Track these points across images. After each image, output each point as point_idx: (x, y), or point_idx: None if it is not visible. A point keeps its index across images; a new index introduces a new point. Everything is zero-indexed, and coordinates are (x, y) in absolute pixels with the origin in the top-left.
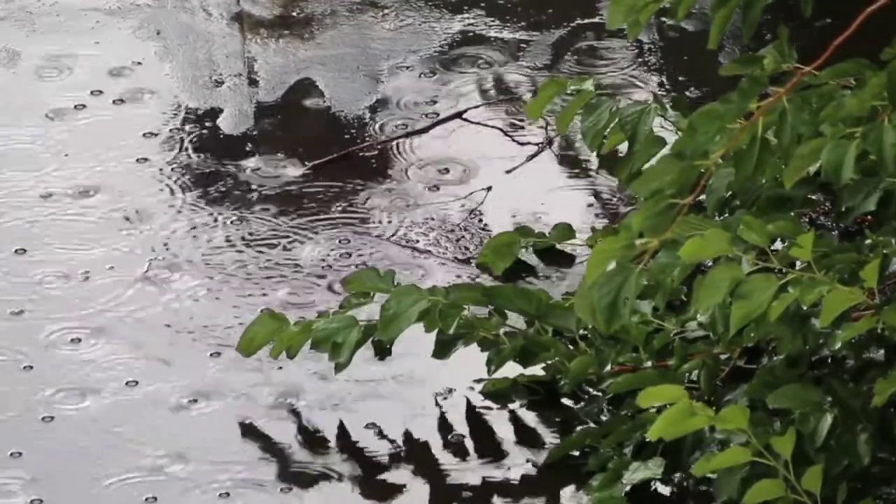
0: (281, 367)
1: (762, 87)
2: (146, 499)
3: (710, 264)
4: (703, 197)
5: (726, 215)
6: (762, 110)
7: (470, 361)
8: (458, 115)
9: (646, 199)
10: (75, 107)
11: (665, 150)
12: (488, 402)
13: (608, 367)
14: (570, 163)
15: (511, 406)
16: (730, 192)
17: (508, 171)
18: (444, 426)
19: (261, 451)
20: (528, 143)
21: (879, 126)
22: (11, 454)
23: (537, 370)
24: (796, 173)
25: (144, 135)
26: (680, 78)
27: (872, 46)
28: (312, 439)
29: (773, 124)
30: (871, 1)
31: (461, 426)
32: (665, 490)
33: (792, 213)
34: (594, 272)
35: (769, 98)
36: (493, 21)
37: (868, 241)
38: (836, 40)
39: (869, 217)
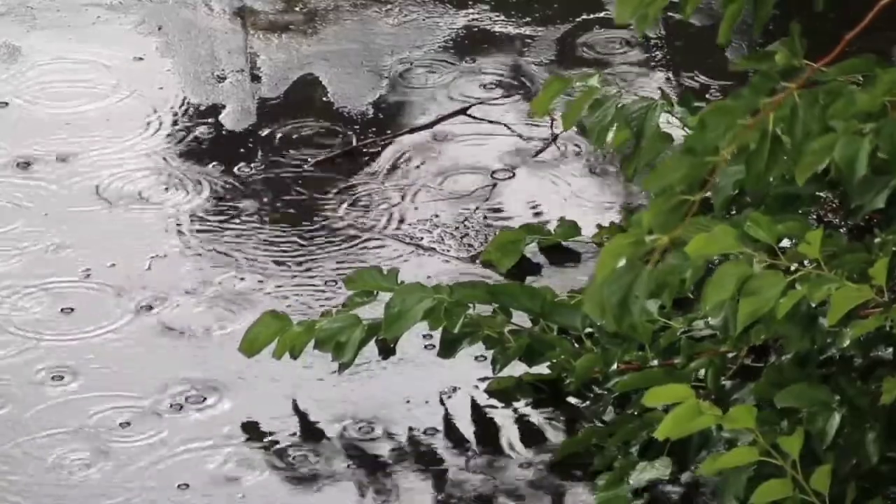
0: (283, 366)
1: (773, 82)
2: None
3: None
4: (709, 194)
5: (734, 214)
6: (772, 105)
7: (475, 360)
8: (463, 111)
9: (656, 195)
10: (76, 104)
11: (672, 147)
12: (493, 401)
13: (614, 366)
14: (576, 159)
15: (516, 405)
16: (737, 191)
17: (513, 168)
18: (449, 425)
19: (262, 451)
20: (533, 140)
21: (893, 121)
22: None
23: (543, 369)
24: (809, 169)
25: (146, 132)
26: (687, 74)
27: (880, 41)
28: (315, 438)
29: (783, 120)
30: None
31: (466, 425)
32: (671, 490)
33: (800, 211)
34: (604, 269)
35: (779, 94)
36: (498, 16)
37: (877, 240)
38: (845, 35)
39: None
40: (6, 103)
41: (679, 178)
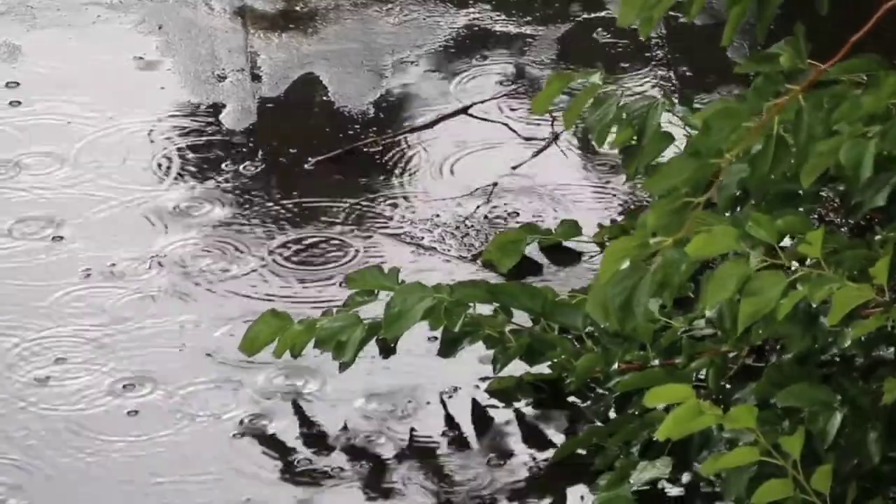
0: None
1: (777, 85)
2: None
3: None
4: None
5: (738, 211)
6: (777, 108)
7: (475, 359)
8: (464, 110)
9: (660, 197)
10: (76, 103)
11: (674, 147)
12: (494, 401)
13: (615, 366)
14: (577, 158)
15: (517, 404)
16: (740, 190)
17: (514, 167)
18: (450, 424)
19: (263, 450)
20: (534, 139)
21: None
22: None
23: (543, 368)
24: (814, 172)
25: (146, 132)
26: (688, 72)
27: (884, 43)
28: (316, 438)
29: (787, 122)
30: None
31: (466, 424)
32: (672, 490)
33: (801, 210)
34: (608, 271)
35: (784, 96)
36: (498, 15)
37: (878, 238)
38: (848, 37)
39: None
40: (19, 102)
41: (683, 180)
